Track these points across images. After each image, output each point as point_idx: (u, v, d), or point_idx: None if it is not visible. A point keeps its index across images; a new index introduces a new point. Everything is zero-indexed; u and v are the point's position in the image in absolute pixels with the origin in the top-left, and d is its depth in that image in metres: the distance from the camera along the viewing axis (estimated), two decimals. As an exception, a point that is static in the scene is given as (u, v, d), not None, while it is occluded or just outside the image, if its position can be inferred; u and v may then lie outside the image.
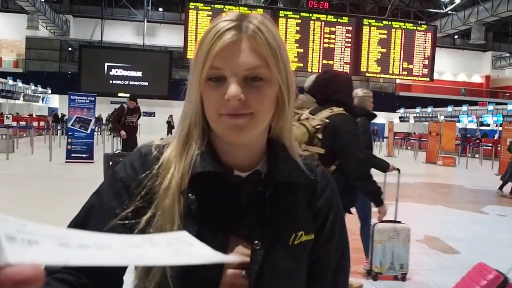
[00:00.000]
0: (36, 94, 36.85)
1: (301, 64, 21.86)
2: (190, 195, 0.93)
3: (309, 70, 22.58)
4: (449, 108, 38.27)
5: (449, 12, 38.08)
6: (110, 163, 8.99)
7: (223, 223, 0.93)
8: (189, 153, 0.96)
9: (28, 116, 31.61)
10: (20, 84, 32.95)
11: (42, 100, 38.45)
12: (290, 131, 1.02)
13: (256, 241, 0.93)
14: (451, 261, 5.70)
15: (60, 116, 33.53)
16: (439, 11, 38.94)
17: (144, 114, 35.19)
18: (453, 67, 46.39)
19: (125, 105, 10.89)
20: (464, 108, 36.92)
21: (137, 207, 0.93)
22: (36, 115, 34.35)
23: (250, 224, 0.95)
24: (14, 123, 21.89)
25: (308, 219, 1.01)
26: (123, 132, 10.46)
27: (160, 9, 43.07)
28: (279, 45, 0.92)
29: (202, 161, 0.94)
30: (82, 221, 0.96)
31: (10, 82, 31.40)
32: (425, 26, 24.86)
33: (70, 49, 42.16)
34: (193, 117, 0.96)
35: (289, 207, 0.98)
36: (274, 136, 1.01)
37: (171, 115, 32.58)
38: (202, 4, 20.32)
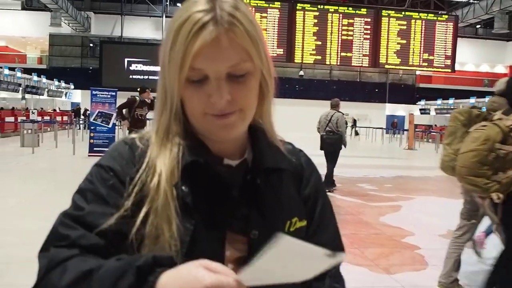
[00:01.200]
0: (60, 90, 37.50)
1: (319, 57, 21.79)
2: (183, 187, 0.88)
3: (327, 62, 22.51)
4: (472, 100, 37.66)
5: (471, 1, 37.48)
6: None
7: (218, 217, 0.90)
8: (173, 148, 0.90)
9: (52, 111, 32.10)
10: (44, 80, 33.52)
11: (65, 96, 39.02)
12: (270, 115, 0.98)
13: (253, 232, 0.91)
14: (474, 256, 5.65)
15: (83, 111, 33.98)
16: (460, 0, 38.36)
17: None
18: (476, 58, 45.66)
19: (137, 97, 10.92)
20: (487, 99, 36.34)
21: (132, 205, 0.86)
22: (59, 110, 34.87)
23: (244, 216, 0.92)
24: (39, 118, 22.27)
25: (300, 205, 1.00)
26: (126, 122, 10.61)
27: (178, 4, 43.19)
28: (257, 31, 0.88)
29: (190, 152, 0.90)
30: (75, 220, 0.86)
31: (35, 78, 31.95)
32: (446, 16, 24.57)
33: (91, 45, 42.80)
34: (171, 114, 0.91)
35: (280, 193, 0.96)
36: (254, 121, 0.96)
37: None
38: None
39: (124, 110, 10.96)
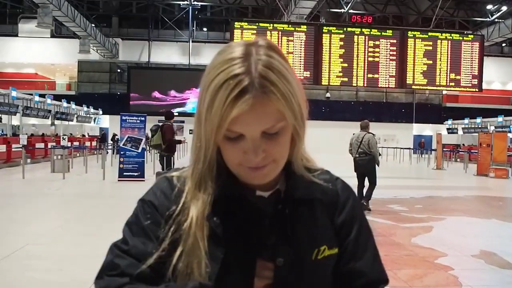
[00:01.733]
0: (89, 115, 38.04)
1: (346, 79, 21.87)
2: (215, 218, 0.95)
3: (354, 84, 22.54)
4: (500, 118, 37.17)
5: (496, 20, 37.25)
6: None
7: (249, 246, 0.96)
8: (206, 191, 0.98)
9: (81, 137, 32.62)
10: (73, 106, 34.09)
11: (94, 121, 39.64)
12: (301, 151, 1.03)
13: (279, 259, 0.96)
14: (509, 276, 5.59)
15: (112, 136, 34.51)
16: (485, 19, 38.13)
17: (190, 131, 35.94)
18: (502, 76, 45.18)
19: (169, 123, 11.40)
20: (517, 117, 35.85)
21: (168, 245, 0.95)
22: (88, 135, 35.46)
23: (273, 244, 0.97)
24: (69, 144, 22.62)
25: (330, 233, 1.04)
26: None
27: (205, 29, 44.02)
28: (292, 88, 0.92)
29: (223, 186, 0.97)
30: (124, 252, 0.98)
31: (65, 104, 32.53)
32: (472, 36, 24.45)
33: (119, 70, 43.53)
34: (207, 162, 0.98)
35: (309, 222, 1.01)
36: (288, 158, 1.00)
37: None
38: (246, 24, 20.71)
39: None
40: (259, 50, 0.91)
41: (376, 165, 9.72)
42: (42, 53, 40.33)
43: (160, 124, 11.70)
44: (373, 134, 9.83)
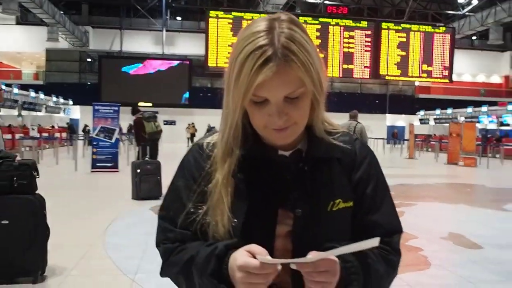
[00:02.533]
0: (58, 106, 37.05)
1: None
2: (238, 175, 1.09)
3: (329, 74, 22.70)
4: (469, 109, 37.95)
5: (467, 13, 37.84)
6: (138, 170, 9.25)
7: (271, 198, 1.08)
8: (234, 153, 1.11)
9: (50, 128, 31.92)
10: (42, 96, 33.13)
11: (64, 112, 38.76)
12: (321, 116, 1.13)
13: (297, 210, 1.07)
14: (475, 255, 5.79)
15: (83, 127, 33.88)
16: (457, 12, 38.68)
17: (165, 122, 35.89)
18: (472, 68, 46.00)
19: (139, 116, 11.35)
20: (484, 108, 36.58)
21: (197, 202, 1.12)
22: (58, 126, 34.61)
23: (294, 197, 1.09)
24: (38, 135, 22.12)
25: (346, 188, 1.14)
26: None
27: (179, 18, 43.35)
28: (312, 58, 1.02)
29: (248, 147, 1.10)
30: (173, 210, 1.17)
31: (32, 94, 31.59)
32: (444, 28, 24.84)
33: (89, 60, 42.56)
34: (233, 128, 1.10)
35: (327, 179, 1.12)
36: (309, 121, 1.12)
37: (192, 123, 32.77)
38: (222, 13, 20.61)
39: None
40: (281, 24, 1.02)
41: None
42: (7, 41, 38.82)
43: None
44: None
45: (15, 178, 4.32)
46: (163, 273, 1.18)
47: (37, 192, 4.54)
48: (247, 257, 0.96)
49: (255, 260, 0.94)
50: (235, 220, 1.07)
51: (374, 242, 0.92)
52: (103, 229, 6.56)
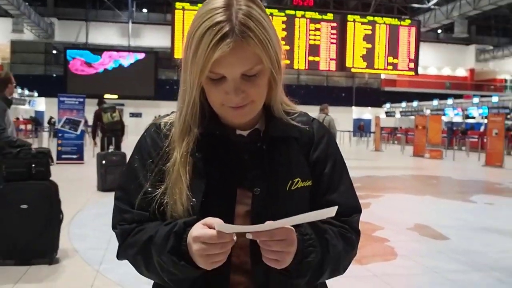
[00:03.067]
0: (23, 98, 36.45)
1: (288, 61, 21.92)
2: (197, 154, 1.09)
3: (295, 67, 22.80)
4: (435, 102, 38.58)
5: (432, 6, 38.41)
6: (103, 161, 9.16)
7: (229, 177, 1.08)
8: (191, 131, 1.10)
9: (15, 120, 31.31)
10: (6, 87, 32.55)
11: (29, 103, 38.13)
12: (278, 96, 1.14)
13: (256, 189, 1.08)
14: (441, 246, 5.86)
15: (48, 118, 33.28)
16: (422, 6, 39.22)
17: (131, 115, 35.56)
18: (438, 61, 46.79)
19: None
20: (450, 101, 37.24)
21: (154, 182, 1.10)
22: (23, 118, 34.01)
23: (252, 176, 1.09)
24: (2, 127, 21.66)
25: (304, 167, 1.15)
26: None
27: (145, 10, 42.98)
28: (269, 36, 1.02)
29: (205, 126, 1.10)
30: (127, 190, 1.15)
31: (-4, 86, 31.03)
32: (409, 21, 25.13)
33: (55, 52, 41.92)
34: (191, 105, 1.09)
35: (285, 158, 1.13)
36: (267, 101, 1.13)
37: (159, 116, 32.52)
38: (188, 4, 20.40)
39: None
40: (239, 1, 1.02)
41: None
42: (-30, 32, 37.98)
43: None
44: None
45: (33, 165, 4.60)
46: (120, 256, 1.15)
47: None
48: (202, 228, 0.96)
49: (211, 230, 0.94)
50: (194, 200, 1.06)
51: (332, 211, 0.94)
52: (68, 220, 6.46)
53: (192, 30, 1.03)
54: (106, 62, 36.28)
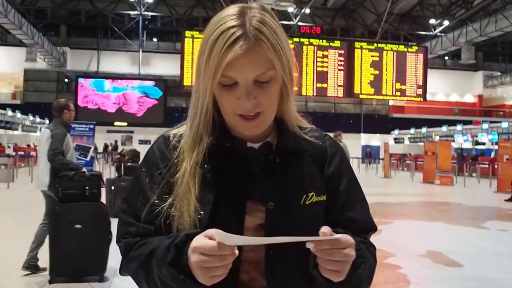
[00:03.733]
0: (34, 125, 36.85)
1: (295, 88, 22.06)
2: (205, 165, 1.07)
3: (304, 94, 22.88)
4: (444, 128, 38.38)
5: (438, 34, 38.60)
6: (112, 187, 9.20)
7: (239, 189, 1.06)
8: (202, 142, 1.08)
9: (26, 146, 31.59)
10: (18, 115, 33.04)
11: (40, 130, 38.42)
12: (291, 109, 1.14)
13: (270, 203, 1.05)
14: (454, 273, 5.78)
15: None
16: (429, 33, 39.44)
17: (140, 142, 35.65)
18: (445, 88, 46.70)
19: None
20: (459, 127, 37.03)
21: (161, 194, 1.08)
22: (34, 145, 34.28)
23: (263, 188, 1.07)
24: (14, 153, 21.91)
25: (318, 182, 1.13)
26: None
27: (155, 39, 43.60)
28: (282, 43, 1.03)
29: (216, 137, 1.08)
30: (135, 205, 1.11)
31: (10, 113, 31.46)
32: (416, 48, 25.25)
33: (66, 80, 42.43)
34: (204, 113, 1.07)
35: (298, 171, 1.11)
36: (279, 114, 1.12)
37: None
38: (197, 33, 20.68)
39: None
40: (253, 10, 1.03)
41: None
42: (-14, 61, 38.65)
43: None
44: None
45: (87, 188, 4.88)
46: (122, 270, 1.12)
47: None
48: (201, 239, 0.91)
49: (211, 241, 0.89)
50: (202, 212, 1.03)
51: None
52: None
53: (205, 36, 1.03)
54: (117, 89, 36.67)
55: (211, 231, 0.91)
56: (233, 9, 1.03)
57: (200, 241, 0.91)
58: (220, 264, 0.89)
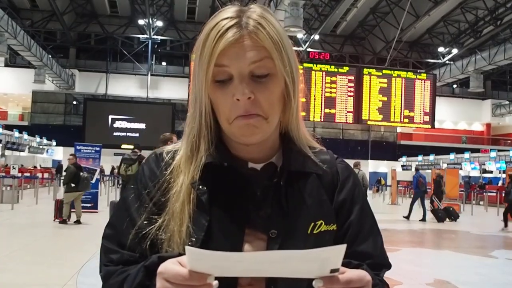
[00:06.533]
0: (41, 147, 37.03)
1: (303, 113, 22.09)
2: (200, 186, 0.95)
3: (311, 119, 22.86)
4: (451, 156, 38.29)
5: (447, 62, 38.71)
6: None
7: (237, 215, 0.94)
8: (199, 155, 0.97)
9: (32, 168, 31.67)
10: (25, 136, 33.21)
11: (47, 152, 38.65)
12: (297, 123, 1.03)
13: (272, 231, 0.93)
14: (462, 303, 5.66)
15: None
16: (437, 61, 39.61)
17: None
18: (453, 116, 46.74)
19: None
20: (467, 155, 36.94)
21: (150, 215, 0.96)
22: (40, 167, 34.41)
23: (265, 214, 0.95)
24: (19, 174, 21.94)
25: (328, 209, 1.00)
26: None
27: (163, 63, 43.97)
28: (282, 38, 0.94)
29: (213, 155, 0.96)
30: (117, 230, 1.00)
31: (16, 134, 31.65)
32: (425, 75, 25.24)
33: (74, 102, 42.78)
34: (201, 119, 0.97)
35: (306, 196, 0.99)
36: (284, 130, 1.02)
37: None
38: (205, 56, 20.90)
39: None
40: (251, 8, 0.96)
41: None
42: (-5, 82, 39.11)
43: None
44: None
45: None
46: None
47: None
48: (171, 263, 0.77)
49: (179, 268, 0.75)
50: (193, 238, 0.91)
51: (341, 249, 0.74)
52: (77, 269, 6.41)
53: (199, 38, 0.95)
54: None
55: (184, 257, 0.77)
56: (231, 8, 0.96)
57: (167, 265, 0.77)
58: None
